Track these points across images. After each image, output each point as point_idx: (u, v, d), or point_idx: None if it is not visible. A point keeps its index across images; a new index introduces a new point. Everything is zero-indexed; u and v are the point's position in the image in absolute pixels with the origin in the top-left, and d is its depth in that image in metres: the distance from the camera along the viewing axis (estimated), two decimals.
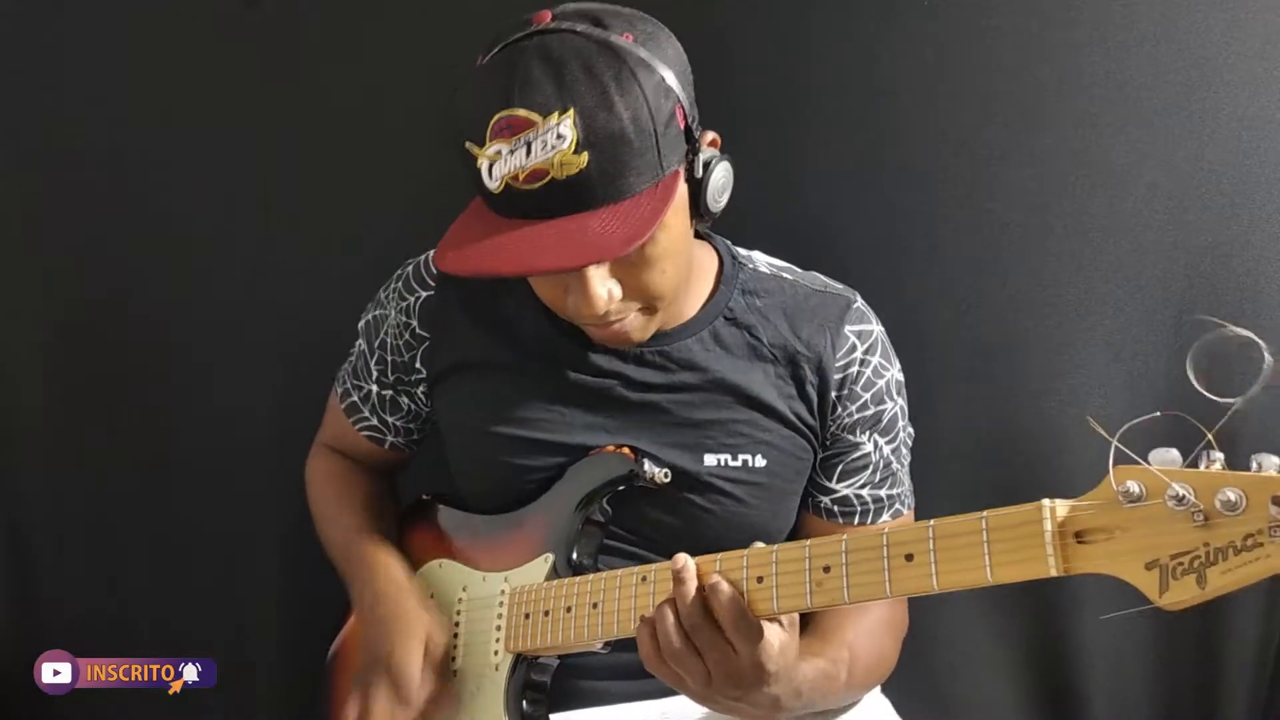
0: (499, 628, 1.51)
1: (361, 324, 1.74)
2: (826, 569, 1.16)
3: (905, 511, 1.62)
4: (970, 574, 1.05)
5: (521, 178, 1.26)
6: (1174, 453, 0.93)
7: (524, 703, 1.48)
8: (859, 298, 1.60)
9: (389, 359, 1.68)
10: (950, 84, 1.88)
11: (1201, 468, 0.92)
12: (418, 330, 1.63)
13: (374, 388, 1.73)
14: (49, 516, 2.34)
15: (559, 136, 1.24)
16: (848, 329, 1.55)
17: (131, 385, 2.26)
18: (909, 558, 1.09)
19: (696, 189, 1.37)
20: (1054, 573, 0.99)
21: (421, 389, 1.68)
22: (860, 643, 1.50)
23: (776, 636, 1.23)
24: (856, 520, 1.58)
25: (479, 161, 1.29)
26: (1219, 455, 0.92)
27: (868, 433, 1.56)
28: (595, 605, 1.37)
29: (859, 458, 1.57)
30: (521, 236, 1.30)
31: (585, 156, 1.24)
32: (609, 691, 1.59)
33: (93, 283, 2.25)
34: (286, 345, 2.19)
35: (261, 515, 2.26)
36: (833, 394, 1.53)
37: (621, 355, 1.54)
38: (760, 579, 1.21)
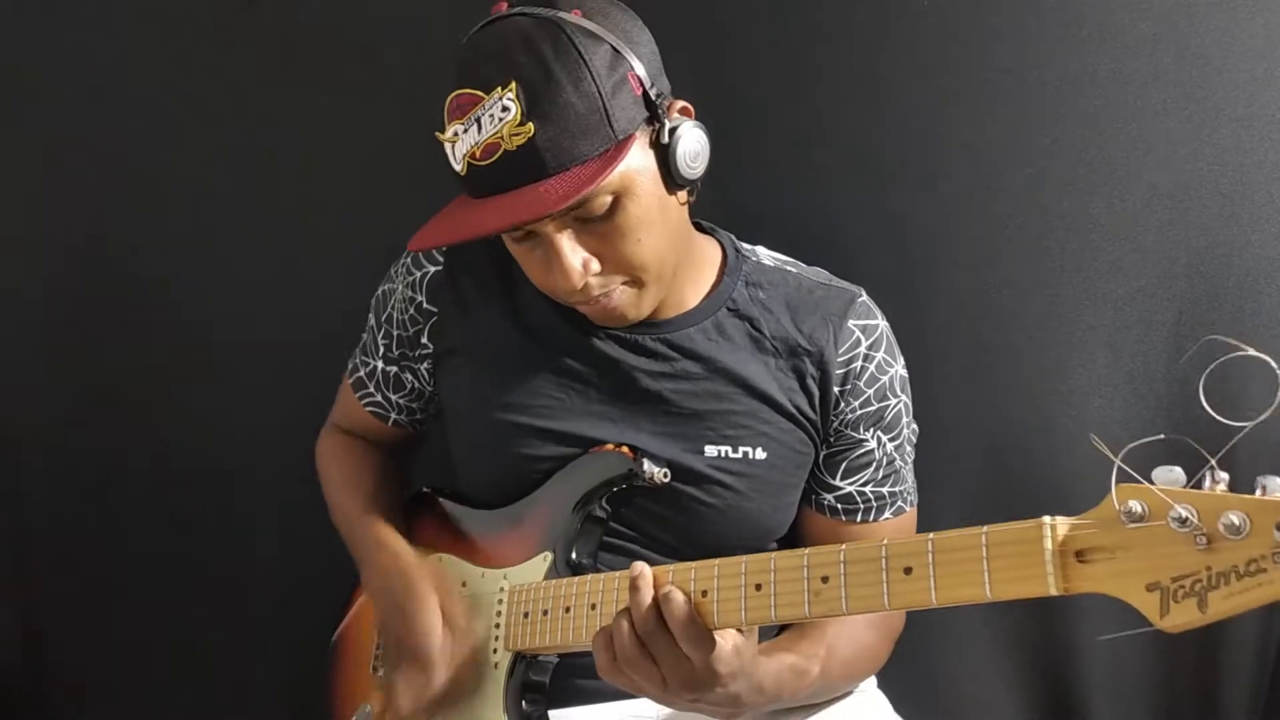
0: (498, 626, 1.51)
1: (372, 301, 1.76)
2: (825, 579, 1.15)
3: (908, 509, 1.63)
4: (969, 589, 1.04)
5: (478, 154, 1.33)
6: (1178, 471, 0.91)
7: (523, 702, 1.48)
8: (864, 293, 1.61)
9: (394, 334, 1.70)
10: (950, 84, 1.87)
11: (1206, 488, 0.90)
12: (425, 305, 1.65)
13: (379, 364, 1.75)
14: (49, 516, 2.35)
15: (504, 109, 1.30)
16: (851, 323, 1.56)
17: (132, 385, 2.27)
18: (908, 571, 1.09)
19: (667, 157, 1.39)
20: (1054, 592, 0.98)
21: (426, 365, 1.70)
22: (841, 638, 1.51)
23: (730, 640, 1.25)
24: (859, 518, 1.59)
25: (445, 147, 1.37)
26: (1224, 476, 0.90)
27: (871, 429, 1.57)
28: (593, 606, 1.37)
29: (862, 454, 1.57)
30: (478, 208, 1.37)
31: (531, 126, 1.29)
32: (605, 690, 1.57)
33: (93, 283, 2.25)
34: (286, 344, 2.19)
35: (263, 514, 2.26)
36: (835, 389, 1.54)
37: (623, 342, 1.55)
38: (759, 586, 1.21)
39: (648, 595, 1.25)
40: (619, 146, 1.33)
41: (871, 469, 1.58)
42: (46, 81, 2.18)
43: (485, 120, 1.31)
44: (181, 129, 2.16)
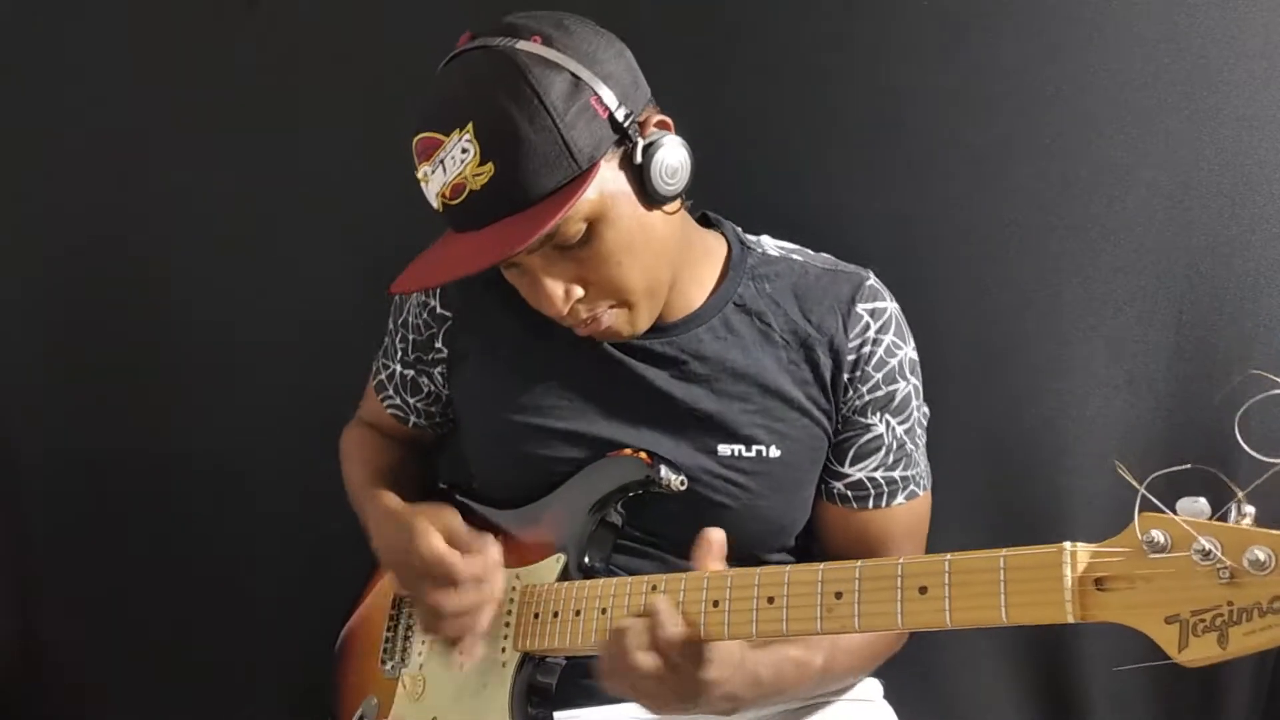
0: (508, 625, 1.51)
1: (391, 306, 1.76)
2: (839, 595, 1.15)
3: (921, 493, 1.62)
4: (984, 612, 1.04)
5: (448, 194, 1.35)
6: (1202, 502, 0.90)
7: (529, 705, 1.48)
8: (872, 275, 1.60)
9: (410, 338, 1.70)
10: (951, 84, 1.86)
11: (1231, 521, 0.88)
12: (438, 310, 1.65)
13: (397, 367, 1.75)
14: (49, 516, 2.34)
15: (463, 151, 1.31)
16: (860, 307, 1.55)
17: (132, 385, 2.27)
18: (923, 590, 1.08)
19: (641, 175, 1.38)
20: (1071, 620, 0.97)
21: (440, 370, 1.70)
22: None
23: (715, 651, 1.27)
24: (870, 504, 1.59)
25: (421, 185, 1.39)
26: (1250, 509, 0.88)
27: (879, 414, 1.56)
28: (604, 611, 1.37)
29: (871, 440, 1.57)
30: (457, 244, 1.39)
31: (491, 165, 1.30)
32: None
33: (93, 283, 2.25)
34: (288, 344, 2.19)
35: (263, 513, 2.27)
36: (845, 375, 1.54)
37: (632, 349, 1.55)
38: (771, 599, 1.21)
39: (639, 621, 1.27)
40: (583, 176, 1.33)
41: (881, 454, 1.57)
42: (47, 81, 2.18)
43: (448, 162, 1.32)
44: (182, 129, 2.15)
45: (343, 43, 2.07)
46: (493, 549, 1.48)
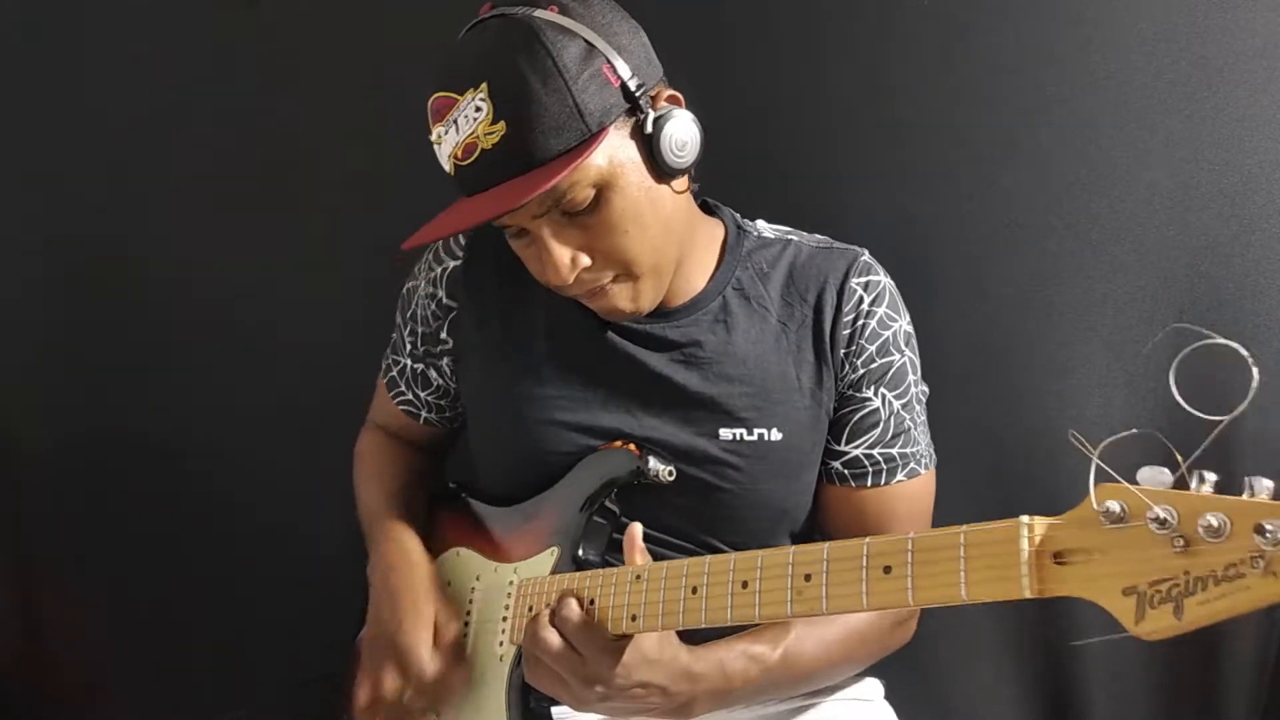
0: (505, 620, 1.52)
1: (399, 299, 1.76)
2: (808, 577, 1.14)
3: (922, 471, 1.61)
4: (945, 590, 1.01)
5: (460, 154, 1.35)
6: (1165, 472, 0.88)
7: (529, 700, 1.49)
8: (866, 253, 1.60)
9: (419, 330, 1.71)
10: (951, 84, 1.87)
11: (1192, 488, 0.86)
12: (444, 300, 1.66)
13: (407, 361, 1.76)
14: (49, 516, 2.35)
15: (477, 109, 1.32)
16: (854, 281, 1.55)
17: (132, 385, 2.28)
18: (887, 570, 1.06)
19: (651, 146, 1.39)
20: (1028, 594, 0.94)
21: (447, 361, 1.70)
22: (817, 621, 1.51)
23: (631, 641, 1.31)
24: (869, 482, 1.58)
25: (435, 148, 1.40)
26: (1211, 476, 0.86)
27: (874, 387, 1.55)
28: (593, 602, 1.36)
29: (867, 414, 1.56)
30: (462, 209, 1.39)
31: (503, 124, 1.31)
32: None
33: (93, 283, 2.26)
34: (291, 344, 2.20)
35: (264, 513, 2.27)
36: (841, 350, 1.54)
37: (634, 334, 1.56)
38: (745, 584, 1.20)
39: (544, 614, 1.34)
40: (591, 140, 1.33)
41: (878, 430, 1.56)
42: (47, 81, 2.19)
43: (462, 121, 1.33)
44: (182, 128, 2.16)
45: (343, 42, 2.08)
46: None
